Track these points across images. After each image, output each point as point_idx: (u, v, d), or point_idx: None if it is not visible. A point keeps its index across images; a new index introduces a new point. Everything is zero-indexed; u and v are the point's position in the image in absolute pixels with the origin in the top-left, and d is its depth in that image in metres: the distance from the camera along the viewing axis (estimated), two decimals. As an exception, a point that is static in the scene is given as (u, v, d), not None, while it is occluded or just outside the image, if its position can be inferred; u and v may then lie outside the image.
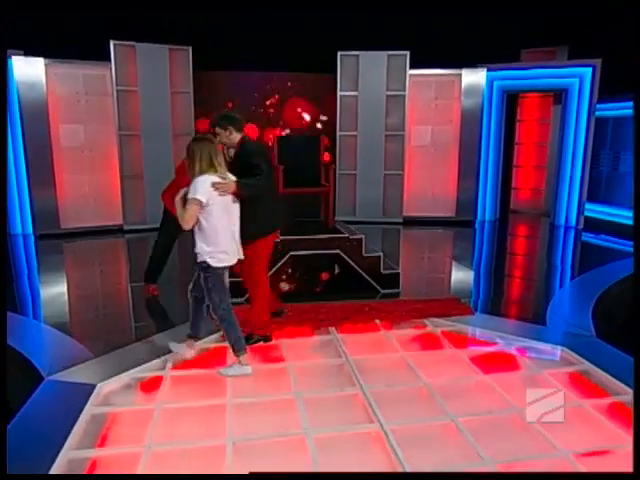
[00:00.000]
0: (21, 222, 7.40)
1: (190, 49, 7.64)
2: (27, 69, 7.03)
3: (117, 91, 7.39)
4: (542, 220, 8.91)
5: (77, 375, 3.26)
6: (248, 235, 3.47)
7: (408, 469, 2.37)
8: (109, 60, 7.28)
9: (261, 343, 3.78)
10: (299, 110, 8.68)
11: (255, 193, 3.41)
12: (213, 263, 3.23)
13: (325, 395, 3.10)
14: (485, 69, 8.14)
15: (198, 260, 3.27)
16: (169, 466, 2.44)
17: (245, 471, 2.38)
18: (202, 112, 8.14)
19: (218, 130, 3.60)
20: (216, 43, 7.76)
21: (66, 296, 5.31)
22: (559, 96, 8.54)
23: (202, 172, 3.17)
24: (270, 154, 3.86)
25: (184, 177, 3.43)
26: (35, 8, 6.62)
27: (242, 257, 3.42)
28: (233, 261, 3.36)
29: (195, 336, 3.59)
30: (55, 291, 5.43)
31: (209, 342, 3.79)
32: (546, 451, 2.55)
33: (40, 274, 6.10)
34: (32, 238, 7.34)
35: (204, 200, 3.12)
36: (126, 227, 7.75)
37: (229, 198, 3.27)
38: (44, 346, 3.83)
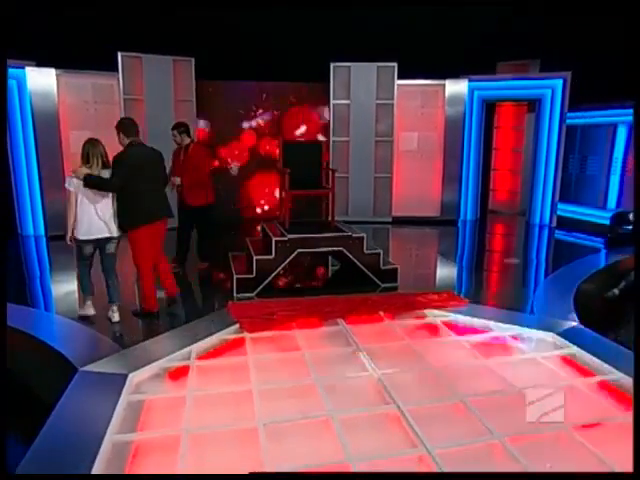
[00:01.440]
0: (33, 224, 7.31)
1: (193, 60, 7.62)
2: (39, 79, 6.95)
3: (124, 99, 7.34)
4: (518, 219, 9.09)
5: (108, 366, 3.25)
6: (125, 224, 4.14)
7: (427, 444, 2.44)
8: (117, 70, 7.25)
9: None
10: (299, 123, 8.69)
11: (97, 188, 4.00)
12: (75, 235, 4.06)
13: (342, 380, 3.15)
14: (467, 80, 8.27)
15: None
16: (208, 447, 2.47)
17: (280, 450, 2.43)
18: (203, 119, 8.13)
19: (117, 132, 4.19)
20: (217, 54, 7.74)
21: (79, 293, 5.26)
22: (533, 105, 8.72)
23: (80, 166, 3.99)
24: (139, 162, 4.12)
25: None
26: (48, 20, 6.55)
27: (113, 235, 4.14)
28: (91, 237, 4.08)
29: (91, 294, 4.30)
30: (68, 289, 5.39)
31: (228, 333, 3.81)
32: (547, 424, 2.64)
33: (52, 273, 6.04)
34: (44, 239, 7.25)
35: (71, 189, 4.01)
36: (133, 228, 7.68)
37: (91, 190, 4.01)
38: (72, 339, 3.80)
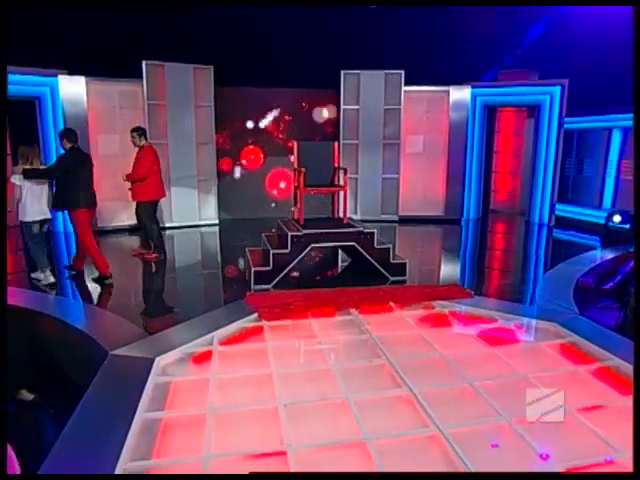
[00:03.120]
0: (63, 221, 7.34)
1: (212, 68, 7.63)
2: (71, 87, 7.00)
3: (148, 105, 7.36)
4: (518, 218, 9.01)
5: (137, 350, 3.26)
6: (62, 204, 4.90)
7: (438, 423, 2.42)
8: (141, 78, 7.27)
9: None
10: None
11: (31, 178, 4.69)
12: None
13: (357, 365, 3.13)
14: (470, 86, 8.21)
15: None
16: (232, 425, 2.47)
17: (300, 428, 2.41)
18: (221, 123, 8.14)
19: (60, 138, 4.98)
20: (234, 62, 7.75)
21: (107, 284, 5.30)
22: (532, 111, 8.65)
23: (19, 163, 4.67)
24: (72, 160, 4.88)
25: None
26: (80, 31, 6.61)
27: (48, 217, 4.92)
28: (37, 218, 4.78)
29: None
30: (97, 280, 5.41)
31: (247, 322, 3.80)
32: (552, 408, 2.61)
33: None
34: (73, 235, 7.26)
35: (17, 183, 4.66)
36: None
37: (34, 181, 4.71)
38: (102, 325, 3.82)
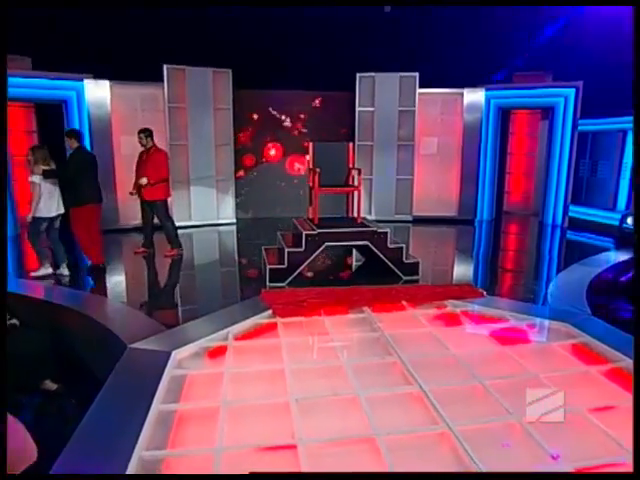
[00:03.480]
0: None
1: (230, 71, 7.67)
2: (96, 90, 7.11)
3: (168, 107, 7.43)
4: (531, 220, 8.86)
5: (154, 344, 3.29)
6: (69, 204, 5.07)
7: (448, 421, 2.39)
8: (162, 81, 7.33)
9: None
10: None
11: (49, 178, 4.90)
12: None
13: (368, 362, 3.11)
14: (484, 89, 8.11)
15: None
16: (244, 418, 2.47)
17: (311, 423, 2.40)
18: (242, 124, 8.19)
19: (66, 138, 5.21)
20: (252, 66, 7.77)
21: (126, 280, 5.37)
22: (546, 113, 8.50)
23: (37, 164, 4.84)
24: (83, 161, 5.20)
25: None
26: (104, 37, 6.71)
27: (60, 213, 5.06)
28: (52, 214, 4.98)
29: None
30: (118, 276, 5.48)
31: (262, 318, 3.80)
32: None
33: (105, 262, 6.15)
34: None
35: (37, 181, 4.86)
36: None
37: (49, 180, 4.92)
38: (122, 319, 3.86)
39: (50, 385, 3.67)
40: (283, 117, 8.61)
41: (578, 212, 8.59)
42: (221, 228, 8.00)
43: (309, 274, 5.14)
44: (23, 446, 1.59)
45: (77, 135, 5.23)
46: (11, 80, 6.71)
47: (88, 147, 7.17)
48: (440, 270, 5.95)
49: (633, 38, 2.67)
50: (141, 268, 5.79)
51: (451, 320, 3.86)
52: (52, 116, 7.26)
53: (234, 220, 8.19)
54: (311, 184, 5.15)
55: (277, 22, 7.65)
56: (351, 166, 5.33)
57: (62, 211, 5.11)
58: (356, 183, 5.21)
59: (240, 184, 8.50)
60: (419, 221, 8.42)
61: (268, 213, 8.67)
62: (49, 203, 4.94)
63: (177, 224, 7.70)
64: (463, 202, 8.44)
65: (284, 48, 7.80)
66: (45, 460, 2.09)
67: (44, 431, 3.18)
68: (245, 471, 2.08)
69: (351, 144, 5.40)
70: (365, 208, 8.42)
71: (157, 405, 2.52)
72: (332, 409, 2.56)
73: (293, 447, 2.20)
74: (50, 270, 5.09)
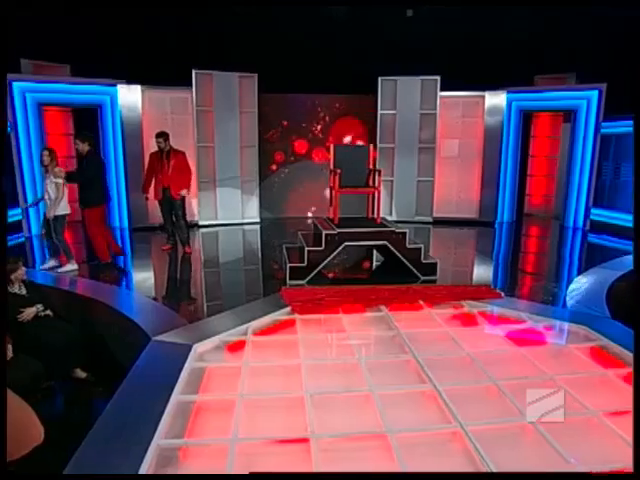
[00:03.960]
0: (119, 217, 7.63)
1: (256, 76, 7.70)
2: (128, 95, 7.23)
3: (196, 111, 7.49)
4: (552, 222, 8.60)
5: (176, 337, 3.32)
6: (87, 204, 5.28)
7: (461, 420, 2.33)
8: (191, 85, 7.41)
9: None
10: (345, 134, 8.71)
11: (76, 181, 5.27)
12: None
13: (383, 360, 3.07)
14: (505, 91, 7.92)
15: None
16: (259, 411, 2.47)
17: (323, 418, 2.38)
18: (264, 127, 8.24)
19: (78, 141, 5.23)
20: (277, 70, 7.79)
21: (154, 276, 5.45)
22: (568, 115, 8.24)
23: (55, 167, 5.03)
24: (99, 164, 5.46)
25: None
26: (136, 45, 6.85)
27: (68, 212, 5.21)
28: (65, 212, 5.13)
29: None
30: (145, 271, 5.58)
31: (281, 315, 3.80)
32: (578, 410, 2.46)
33: (134, 258, 6.28)
34: (127, 231, 7.55)
35: (61, 181, 5.03)
36: (201, 222, 7.87)
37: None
38: (147, 313, 3.92)
39: (80, 373, 3.76)
40: (307, 122, 8.62)
41: (600, 215, 8.30)
42: (246, 227, 8.05)
43: (330, 275, 5.11)
44: (27, 425, 1.60)
45: (90, 139, 5.33)
46: (51, 86, 6.97)
47: (120, 149, 7.36)
48: (459, 271, 5.84)
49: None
50: (168, 264, 5.85)
51: (467, 320, 3.78)
52: (88, 119, 7.44)
53: (258, 220, 8.24)
54: (332, 185, 5.12)
55: (301, 26, 7.64)
56: (371, 168, 5.28)
57: (69, 211, 5.25)
58: (376, 184, 5.15)
59: (270, 179, 8.58)
60: (439, 222, 8.28)
61: (295, 212, 8.69)
62: (64, 202, 5.12)
63: (203, 223, 7.88)
64: (483, 204, 8.26)
65: (308, 53, 7.78)
66: (72, 444, 2.15)
67: (73, 416, 3.27)
68: (257, 462, 2.08)
69: (372, 146, 5.34)
70: (386, 209, 8.35)
71: (177, 396, 2.55)
72: (345, 405, 2.54)
73: (306, 441, 2.19)
74: (76, 266, 5.20)
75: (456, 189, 8.33)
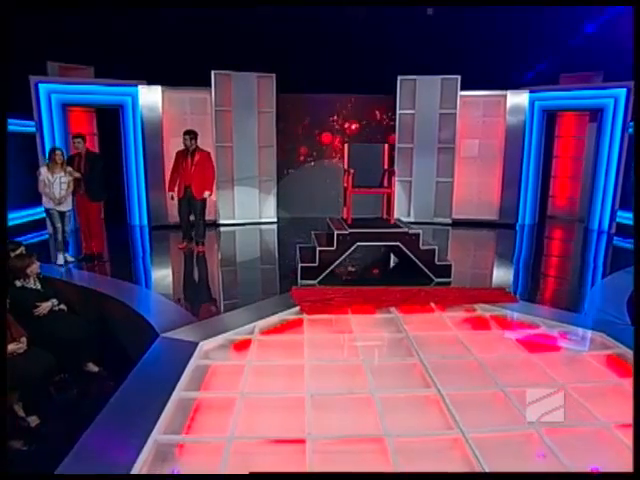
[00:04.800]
0: (139, 216, 7.77)
1: (274, 76, 7.73)
2: (149, 95, 7.37)
3: (215, 111, 7.57)
4: (576, 225, 8.34)
5: (184, 334, 3.36)
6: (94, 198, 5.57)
7: (462, 427, 2.27)
8: (210, 86, 7.49)
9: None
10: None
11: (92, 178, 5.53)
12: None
13: (388, 363, 3.03)
14: (528, 91, 7.73)
15: None
16: (259, 410, 2.46)
17: (322, 419, 2.36)
18: (281, 127, 8.26)
19: (81, 140, 5.54)
20: (295, 70, 7.81)
21: (172, 273, 5.52)
22: (594, 115, 7.97)
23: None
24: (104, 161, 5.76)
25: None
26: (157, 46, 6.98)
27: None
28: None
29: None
30: (163, 269, 5.65)
31: (289, 314, 3.79)
32: (588, 420, 2.36)
33: (153, 256, 6.39)
34: (147, 229, 7.69)
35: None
36: (219, 221, 7.95)
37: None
38: (158, 309, 3.97)
39: (92, 367, 3.84)
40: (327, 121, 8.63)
41: (628, 218, 8.00)
42: (263, 227, 8.09)
43: (343, 275, 5.08)
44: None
45: (84, 139, 5.66)
46: (74, 87, 7.16)
47: (140, 148, 7.50)
48: (476, 274, 5.72)
49: (633, 38, 2.45)
50: (186, 262, 5.90)
51: (479, 324, 3.69)
52: (110, 119, 7.61)
53: (275, 219, 8.27)
54: (345, 185, 5.09)
55: (319, 26, 7.63)
56: (386, 168, 5.22)
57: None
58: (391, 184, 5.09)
59: (289, 178, 8.65)
60: (458, 224, 8.14)
61: (313, 213, 8.69)
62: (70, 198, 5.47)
63: (222, 222, 7.95)
64: (504, 205, 8.07)
65: (326, 53, 7.78)
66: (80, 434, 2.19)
67: (84, 408, 3.33)
68: (252, 461, 2.07)
69: (387, 145, 5.28)
70: (404, 210, 8.28)
71: (179, 392, 2.57)
72: (346, 407, 2.51)
73: (302, 441, 2.16)
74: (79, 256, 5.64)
75: (476, 190, 8.18)
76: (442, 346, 3.25)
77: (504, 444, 2.20)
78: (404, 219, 8.03)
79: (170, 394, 2.51)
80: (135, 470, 1.97)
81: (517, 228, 8.06)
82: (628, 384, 2.73)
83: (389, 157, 5.34)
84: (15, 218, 7.44)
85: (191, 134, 5.93)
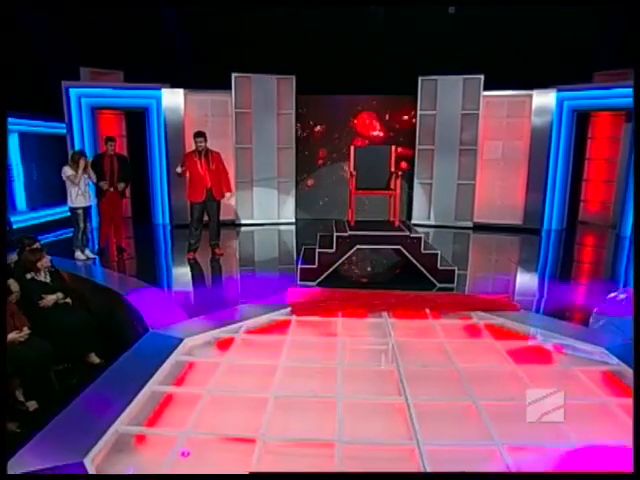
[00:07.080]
0: (162, 215, 8.04)
1: (294, 78, 7.78)
2: (172, 98, 7.60)
3: (235, 113, 7.71)
4: (608, 231, 7.88)
5: (173, 330, 3.44)
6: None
7: (420, 439, 2.21)
8: (230, 88, 7.63)
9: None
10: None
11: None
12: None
13: (364, 368, 2.99)
14: (555, 90, 7.38)
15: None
16: (221, 408, 2.51)
17: (280, 421, 2.37)
18: (301, 128, 8.31)
19: (113, 143, 5.96)
20: (314, 72, 7.83)
21: (190, 271, 5.66)
22: (631, 115, 7.50)
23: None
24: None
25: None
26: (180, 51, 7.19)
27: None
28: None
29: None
30: (183, 266, 5.79)
31: (280, 315, 3.81)
32: (557, 439, 2.24)
33: (174, 254, 6.59)
34: (169, 227, 7.93)
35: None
36: (238, 221, 8.09)
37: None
38: (154, 305, 4.08)
39: (94, 358, 4.01)
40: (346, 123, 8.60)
41: (666, 225, 7.48)
42: (281, 227, 8.16)
43: (345, 278, 5.05)
44: None
45: (115, 141, 6.10)
46: (103, 91, 7.51)
47: (164, 150, 7.76)
48: (487, 279, 5.52)
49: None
50: (205, 261, 5.97)
51: (470, 332, 3.58)
52: (138, 122, 7.92)
53: (293, 220, 8.33)
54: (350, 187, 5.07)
55: (338, 27, 7.63)
56: (392, 170, 5.15)
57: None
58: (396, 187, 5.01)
59: (308, 180, 8.71)
60: (480, 228, 7.90)
61: (331, 215, 8.68)
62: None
63: (241, 222, 8.09)
64: (529, 210, 7.76)
65: (346, 54, 7.76)
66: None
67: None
68: (202, 458, 2.11)
69: (393, 148, 5.21)
70: (424, 213, 8.14)
71: (151, 386, 2.64)
72: (307, 410, 2.50)
73: (252, 441, 2.18)
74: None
75: (499, 193, 7.90)
76: (425, 354, 3.18)
77: (460, 460, 2.13)
78: (424, 222, 7.95)
79: (142, 387, 2.59)
80: (90, 456, 2.05)
81: (543, 233, 7.72)
82: (615, 404, 2.58)
83: (396, 159, 5.25)
84: (47, 215, 7.91)
85: (203, 135, 5.87)
